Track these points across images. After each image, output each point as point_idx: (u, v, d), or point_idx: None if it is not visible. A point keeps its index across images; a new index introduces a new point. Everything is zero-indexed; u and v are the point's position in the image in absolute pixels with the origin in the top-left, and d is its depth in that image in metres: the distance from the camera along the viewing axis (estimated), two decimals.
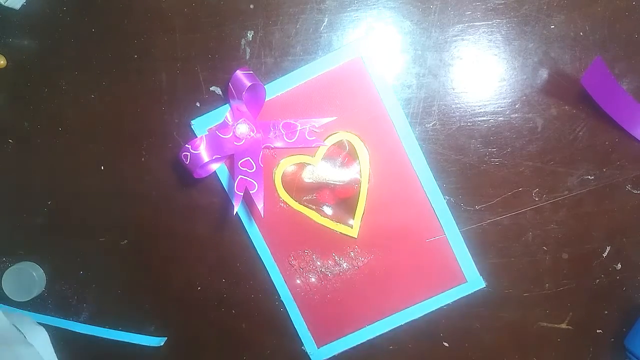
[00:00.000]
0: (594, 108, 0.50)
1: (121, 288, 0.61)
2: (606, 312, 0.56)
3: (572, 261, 0.55)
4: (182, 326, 0.61)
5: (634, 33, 0.51)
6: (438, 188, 0.54)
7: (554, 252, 0.55)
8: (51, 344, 0.61)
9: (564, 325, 0.56)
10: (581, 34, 0.51)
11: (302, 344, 0.59)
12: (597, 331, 0.56)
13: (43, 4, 0.55)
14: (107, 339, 0.61)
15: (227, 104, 0.54)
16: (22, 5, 0.55)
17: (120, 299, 0.61)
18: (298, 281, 0.57)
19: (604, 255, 0.55)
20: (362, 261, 0.56)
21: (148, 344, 0.61)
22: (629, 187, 0.53)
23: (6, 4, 0.53)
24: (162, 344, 0.60)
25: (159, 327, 0.61)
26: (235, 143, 0.52)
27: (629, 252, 0.55)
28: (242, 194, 0.49)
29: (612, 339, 0.57)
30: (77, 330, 0.61)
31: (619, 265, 0.55)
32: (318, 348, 0.58)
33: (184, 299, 0.60)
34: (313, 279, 0.57)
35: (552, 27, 0.51)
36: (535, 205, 0.54)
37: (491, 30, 0.51)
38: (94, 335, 0.61)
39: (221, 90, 0.54)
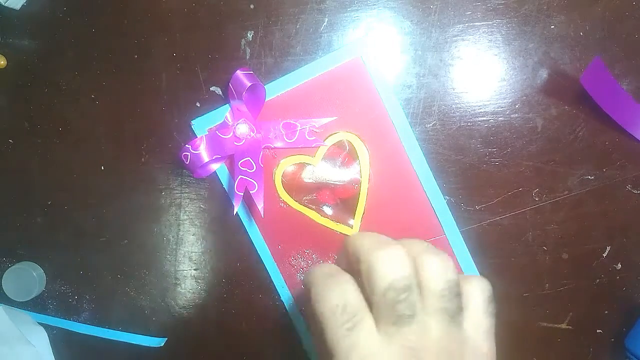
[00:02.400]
0: (594, 108, 0.50)
1: (121, 288, 0.61)
2: (606, 312, 0.56)
3: (572, 261, 0.55)
4: (181, 327, 0.61)
5: (634, 33, 0.51)
6: (438, 188, 0.54)
7: (554, 252, 0.55)
8: (50, 345, 0.61)
9: (564, 326, 0.56)
10: (581, 34, 0.51)
11: (303, 344, 0.58)
12: (597, 331, 0.56)
13: (43, 4, 0.55)
14: (107, 339, 0.61)
15: (227, 104, 0.54)
16: (22, 6, 0.55)
17: (120, 299, 0.61)
18: (298, 280, 0.57)
19: (604, 255, 0.55)
20: None
21: (148, 345, 0.60)
22: (629, 187, 0.53)
23: (6, 4, 0.53)
24: (162, 344, 0.60)
25: (158, 327, 0.61)
26: (235, 143, 0.52)
27: (629, 252, 0.55)
28: (243, 194, 0.49)
29: (612, 339, 0.56)
30: (77, 331, 0.61)
31: (619, 265, 0.55)
32: None
33: (183, 299, 0.60)
34: None
35: (552, 27, 0.51)
36: (536, 205, 0.54)
37: (491, 31, 0.51)
38: (94, 336, 0.61)
39: (221, 90, 0.54)
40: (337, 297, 0.31)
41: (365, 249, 0.33)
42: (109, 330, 0.61)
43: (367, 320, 0.31)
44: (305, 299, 0.35)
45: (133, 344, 0.61)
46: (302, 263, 0.57)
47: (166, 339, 0.61)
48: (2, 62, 0.56)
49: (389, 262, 0.31)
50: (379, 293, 0.31)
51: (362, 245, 0.33)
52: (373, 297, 0.31)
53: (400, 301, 0.31)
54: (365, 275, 0.32)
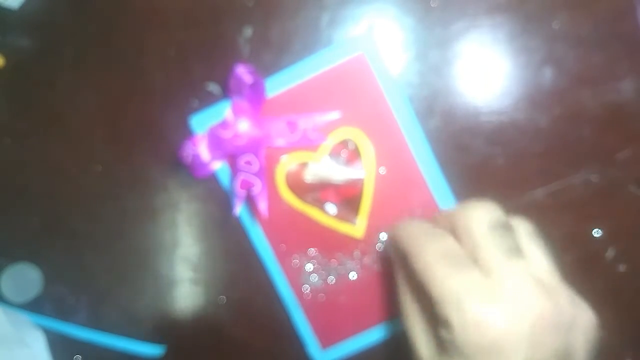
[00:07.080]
0: (599, 107, 0.50)
1: (118, 291, 0.60)
2: (609, 315, 0.55)
3: (574, 263, 0.54)
4: (180, 330, 0.60)
5: (636, 32, 0.51)
6: (447, 185, 0.53)
7: (557, 254, 0.54)
8: (47, 347, 0.60)
9: None
10: (584, 32, 0.51)
11: (305, 347, 0.58)
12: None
13: (42, 3, 0.55)
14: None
15: (227, 102, 0.53)
16: (21, 5, 0.55)
17: (118, 302, 0.60)
18: (301, 282, 0.56)
19: (608, 257, 0.54)
20: (367, 260, 0.55)
21: (145, 353, 0.60)
22: (633, 188, 0.53)
23: (5, 4, 0.53)
24: (160, 353, 0.60)
25: (156, 331, 0.60)
26: (237, 141, 0.52)
27: (632, 254, 0.54)
28: (245, 193, 0.49)
29: (615, 342, 0.56)
30: (74, 334, 0.61)
31: (623, 267, 0.54)
32: (322, 350, 0.57)
33: (182, 302, 0.59)
34: (317, 279, 0.56)
35: (555, 25, 0.51)
36: (539, 205, 0.53)
37: (494, 28, 0.51)
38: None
39: (219, 89, 0.54)
40: (443, 243, 0.36)
41: (453, 212, 0.38)
42: (107, 334, 0.61)
43: (475, 264, 0.35)
44: (398, 254, 0.39)
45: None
46: (306, 263, 0.56)
47: (165, 345, 0.60)
48: (0, 62, 0.56)
49: (481, 207, 0.38)
50: (484, 234, 0.36)
51: (449, 211, 0.40)
52: (477, 241, 0.35)
53: (507, 236, 0.36)
54: (463, 228, 0.37)
